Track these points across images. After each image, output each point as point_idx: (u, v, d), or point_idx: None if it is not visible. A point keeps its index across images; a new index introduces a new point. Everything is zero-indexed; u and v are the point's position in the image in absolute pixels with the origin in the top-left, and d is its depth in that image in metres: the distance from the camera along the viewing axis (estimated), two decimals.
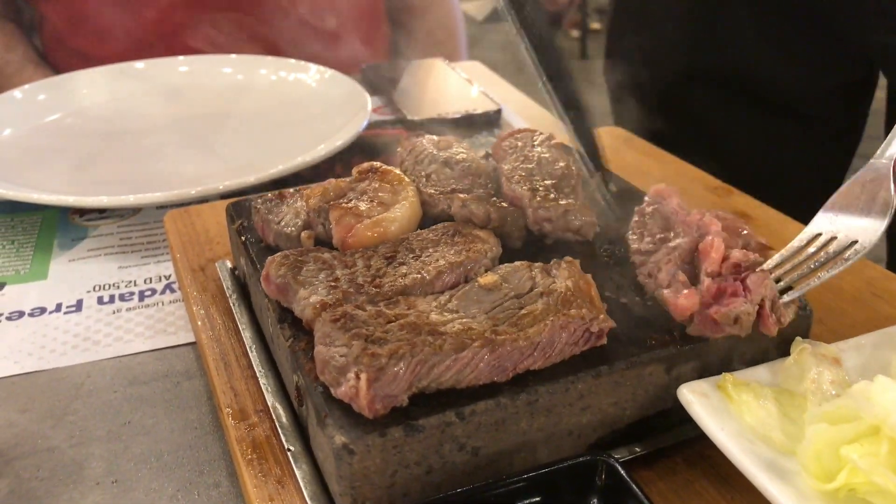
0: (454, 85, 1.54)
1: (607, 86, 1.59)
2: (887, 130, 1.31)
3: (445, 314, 0.55)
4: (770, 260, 0.66)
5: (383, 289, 0.59)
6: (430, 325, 0.53)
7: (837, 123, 1.37)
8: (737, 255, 0.62)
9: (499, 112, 1.41)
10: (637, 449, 0.61)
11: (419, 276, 0.60)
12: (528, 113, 1.45)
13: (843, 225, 0.65)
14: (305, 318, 0.58)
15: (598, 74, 1.67)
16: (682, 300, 0.58)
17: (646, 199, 0.73)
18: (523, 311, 0.56)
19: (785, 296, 0.62)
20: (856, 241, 0.64)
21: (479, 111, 1.40)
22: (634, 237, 0.69)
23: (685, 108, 1.40)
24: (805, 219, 0.98)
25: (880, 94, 1.34)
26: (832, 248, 0.64)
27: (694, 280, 0.62)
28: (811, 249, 0.65)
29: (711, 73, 1.35)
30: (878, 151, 0.67)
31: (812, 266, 0.64)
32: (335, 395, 0.52)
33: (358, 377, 0.49)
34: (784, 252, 0.66)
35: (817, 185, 1.43)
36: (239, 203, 0.82)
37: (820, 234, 0.66)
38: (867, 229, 0.64)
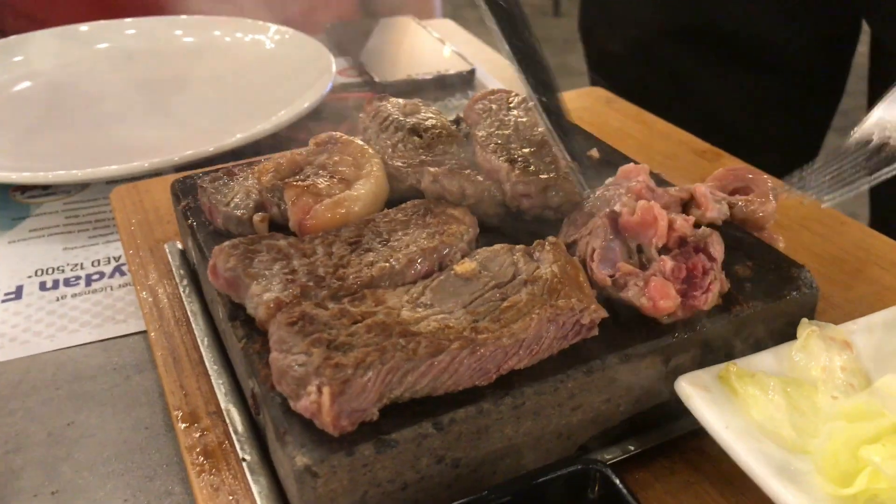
0: (425, 44, 1.46)
1: (583, 44, 1.52)
2: (870, 84, 1.26)
3: (418, 310, 0.49)
4: (815, 161, 0.60)
5: (347, 281, 0.52)
6: (402, 325, 0.47)
7: (820, 78, 1.33)
8: (680, 223, 0.55)
9: (472, 72, 1.34)
10: (631, 448, 0.55)
11: (388, 264, 0.54)
12: (503, 74, 1.38)
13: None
14: (259, 318, 0.51)
15: (572, 32, 1.60)
16: (662, 303, 0.51)
17: (607, 182, 0.65)
18: (506, 304, 0.49)
19: (826, 198, 0.57)
20: None
21: (452, 72, 1.32)
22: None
23: (663, 66, 1.35)
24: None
25: (862, 49, 1.29)
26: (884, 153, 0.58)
27: (629, 254, 0.55)
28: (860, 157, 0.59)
29: (690, 28, 1.29)
30: None
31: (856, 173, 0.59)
32: (294, 408, 0.45)
33: (320, 390, 0.43)
34: (827, 156, 0.61)
35: (800, 142, 1.39)
36: (185, 180, 0.74)
37: (870, 141, 0.60)
38: None
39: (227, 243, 0.56)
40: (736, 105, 1.33)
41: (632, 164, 0.66)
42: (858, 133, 0.60)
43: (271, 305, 0.50)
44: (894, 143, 0.57)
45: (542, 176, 0.63)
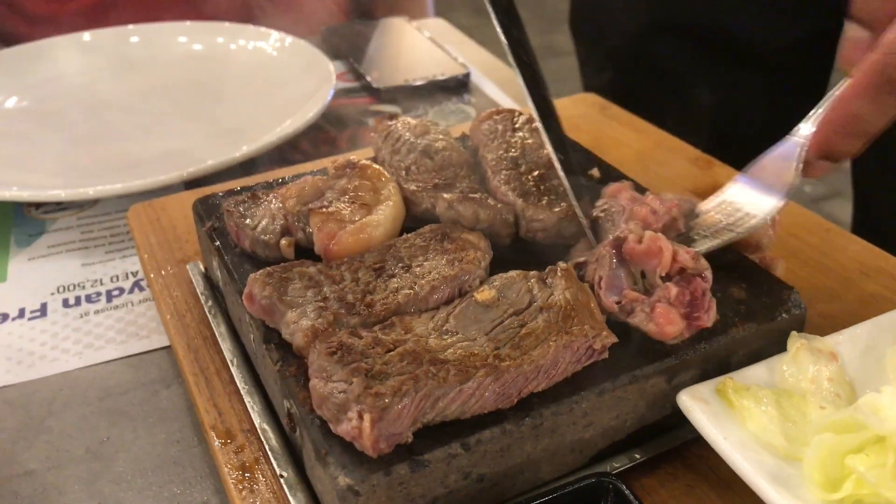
0: (419, 47, 1.49)
1: (574, 42, 1.55)
2: None
3: (444, 337, 0.53)
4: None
5: (375, 308, 0.56)
6: (431, 353, 0.51)
7: (807, 75, 1.36)
8: (682, 256, 0.60)
9: (467, 75, 1.37)
10: (637, 456, 0.60)
11: (412, 291, 0.58)
12: (497, 75, 1.41)
13: (749, 198, 0.66)
14: (296, 344, 0.55)
15: (558, 11, 1.62)
16: (669, 328, 0.56)
17: (597, 204, 0.70)
18: (524, 331, 0.54)
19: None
20: (753, 216, 0.65)
21: (447, 76, 1.35)
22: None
23: (653, 63, 1.38)
24: None
25: None
26: (732, 219, 0.66)
27: (634, 280, 0.61)
28: (718, 217, 0.67)
29: (679, 26, 1.32)
30: (799, 125, 0.67)
31: (709, 232, 0.66)
32: (335, 431, 0.50)
33: (361, 416, 0.47)
34: (699, 209, 0.68)
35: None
36: (206, 200, 0.77)
37: (726, 202, 0.67)
38: (766, 205, 0.65)
39: (261, 272, 0.60)
40: (725, 102, 1.37)
41: (615, 184, 0.70)
42: (721, 193, 0.69)
43: (308, 333, 0.54)
44: (743, 211, 0.65)
45: (555, 210, 0.67)
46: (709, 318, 0.58)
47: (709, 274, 0.59)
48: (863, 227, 1.29)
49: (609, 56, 1.45)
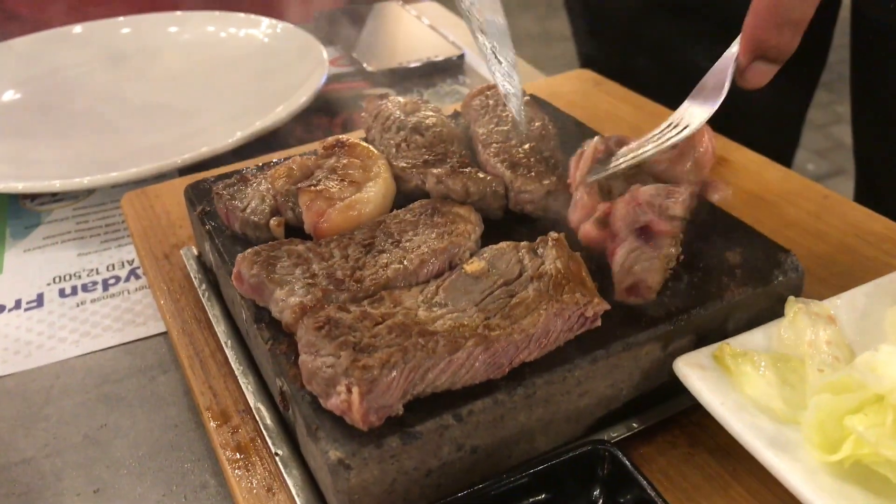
0: (414, 30, 1.48)
1: (569, 20, 1.54)
2: (852, 55, 1.27)
3: (434, 309, 0.53)
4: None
5: (364, 283, 0.56)
6: (420, 325, 0.51)
7: (802, 49, 1.35)
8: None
9: (462, 57, 1.36)
10: (634, 425, 0.59)
11: (401, 266, 0.57)
12: None
13: (687, 116, 0.65)
14: (285, 321, 0.55)
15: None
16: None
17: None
18: (515, 300, 0.53)
19: (591, 173, 0.63)
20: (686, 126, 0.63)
21: (441, 57, 1.35)
22: None
23: (649, 40, 1.37)
24: (772, 154, 0.97)
25: (844, 14, 1.31)
26: (669, 132, 0.65)
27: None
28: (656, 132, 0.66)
29: (674, 1, 1.31)
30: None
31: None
32: (325, 406, 0.49)
33: (349, 390, 0.46)
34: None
35: (783, 114, 1.42)
36: (197, 185, 0.77)
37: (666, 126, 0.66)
38: (701, 113, 0.64)
39: (249, 251, 0.60)
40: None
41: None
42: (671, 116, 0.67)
43: (296, 310, 0.54)
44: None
45: (544, 182, 0.66)
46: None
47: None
48: (867, 201, 1.28)
49: (606, 33, 1.44)
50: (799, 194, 0.87)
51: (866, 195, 1.29)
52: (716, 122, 1.02)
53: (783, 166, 0.93)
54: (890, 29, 1.13)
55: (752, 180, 0.90)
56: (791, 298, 0.62)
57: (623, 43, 1.38)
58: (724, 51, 1.38)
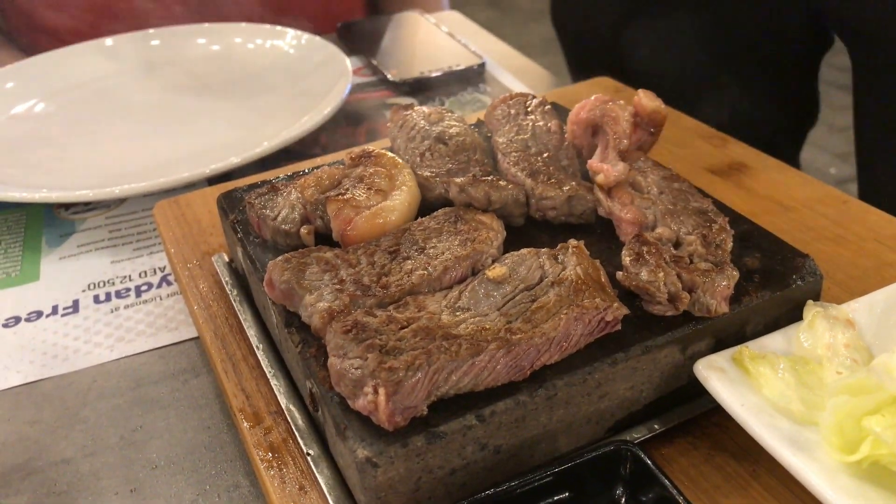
0: (435, 39, 1.50)
1: (558, 38, 1.56)
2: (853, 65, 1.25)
3: (457, 314, 0.54)
4: None
5: (390, 289, 0.58)
6: (443, 328, 0.52)
7: (802, 46, 1.34)
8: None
9: (482, 65, 1.38)
10: (656, 427, 0.61)
11: (425, 272, 0.59)
12: (511, 63, 1.42)
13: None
14: (314, 326, 0.57)
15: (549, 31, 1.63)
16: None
17: None
18: (536, 305, 0.55)
19: None
20: None
21: (463, 66, 1.36)
22: None
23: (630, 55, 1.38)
24: (785, 157, 0.97)
25: None
26: None
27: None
28: None
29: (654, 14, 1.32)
30: None
31: None
32: (353, 406, 0.51)
33: (376, 391, 0.48)
34: None
35: (784, 126, 1.42)
36: (230, 194, 0.79)
37: None
38: None
39: (280, 258, 0.62)
40: (712, 90, 1.35)
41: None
42: None
43: (325, 314, 0.56)
44: None
45: (564, 188, 0.68)
46: None
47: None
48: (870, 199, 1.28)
49: (594, 48, 1.45)
50: (819, 200, 0.87)
51: (870, 200, 1.29)
52: (726, 129, 1.03)
53: (802, 172, 0.94)
54: (875, 38, 1.13)
55: (771, 186, 0.91)
56: (810, 302, 0.63)
57: (611, 57, 1.38)
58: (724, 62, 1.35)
